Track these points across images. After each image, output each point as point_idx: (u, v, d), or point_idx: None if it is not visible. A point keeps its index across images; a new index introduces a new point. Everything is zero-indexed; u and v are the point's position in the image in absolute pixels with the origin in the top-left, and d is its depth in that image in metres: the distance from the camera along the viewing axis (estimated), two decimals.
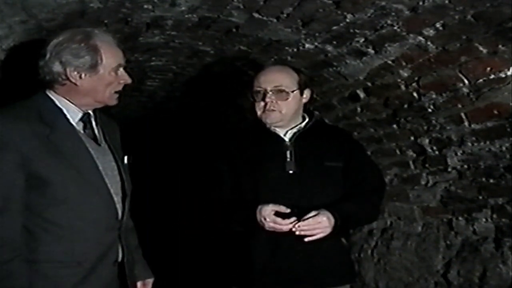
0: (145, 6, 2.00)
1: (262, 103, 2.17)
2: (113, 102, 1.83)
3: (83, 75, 1.72)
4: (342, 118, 2.88)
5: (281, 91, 2.16)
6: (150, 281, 2.07)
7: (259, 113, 2.20)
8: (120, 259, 1.82)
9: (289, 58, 2.50)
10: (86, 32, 1.74)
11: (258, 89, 2.18)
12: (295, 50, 2.40)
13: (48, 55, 1.71)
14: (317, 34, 2.19)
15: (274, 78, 2.18)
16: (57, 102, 1.75)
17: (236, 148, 2.26)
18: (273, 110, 2.17)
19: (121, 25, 2.15)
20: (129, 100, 3.75)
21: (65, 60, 1.70)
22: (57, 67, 1.70)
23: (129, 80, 1.83)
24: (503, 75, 1.96)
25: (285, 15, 2.05)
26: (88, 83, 1.73)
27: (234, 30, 2.27)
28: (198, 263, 4.79)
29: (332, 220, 2.04)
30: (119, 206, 1.80)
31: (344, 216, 2.08)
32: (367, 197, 2.24)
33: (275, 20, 2.11)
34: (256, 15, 2.08)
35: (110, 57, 1.75)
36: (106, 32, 1.82)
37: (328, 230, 2.03)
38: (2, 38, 1.90)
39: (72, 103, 1.76)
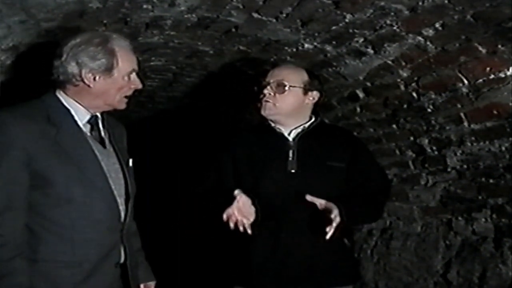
0: (144, 6, 2.00)
1: (261, 96, 2.20)
2: (122, 106, 1.84)
3: (97, 78, 1.73)
4: (341, 118, 2.88)
5: (279, 84, 2.17)
6: (152, 284, 2.07)
7: (259, 105, 2.22)
8: (122, 261, 1.82)
9: (288, 58, 2.49)
10: (105, 35, 1.76)
11: (263, 83, 2.21)
12: (294, 50, 2.40)
13: (64, 56, 1.71)
14: (316, 34, 2.19)
15: (278, 72, 2.21)
16: (65, 103, 1.75)
17: (239, 146, 2.27)
18: (267, 102, 2.18)
19: (120, 25, 2.15)
20: None
21: (81, 62, 1.70)
22: (72, 68, 1.71)
23: (140, 86, 1.85)
24: (503, 75, 1.96)
25: (284, 15, 2.05)
26: (101, 85, 1.74)
27: (233, 30, 2.26)
28: (198, 263, 4.78)
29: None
30: (122, 208, 1.80)
31: (348, 210, 2.05)
32: (371, 197, 2.23)
33: (274, 20, 2.11)
34: (255, 15, 2.07)
35: (126, 62, 1.77)
36: (123, 37, 1.83)
37: (338, 220, 1.99)
38: (1, 38, 1.90)
39: (81, 104, 1.77)
